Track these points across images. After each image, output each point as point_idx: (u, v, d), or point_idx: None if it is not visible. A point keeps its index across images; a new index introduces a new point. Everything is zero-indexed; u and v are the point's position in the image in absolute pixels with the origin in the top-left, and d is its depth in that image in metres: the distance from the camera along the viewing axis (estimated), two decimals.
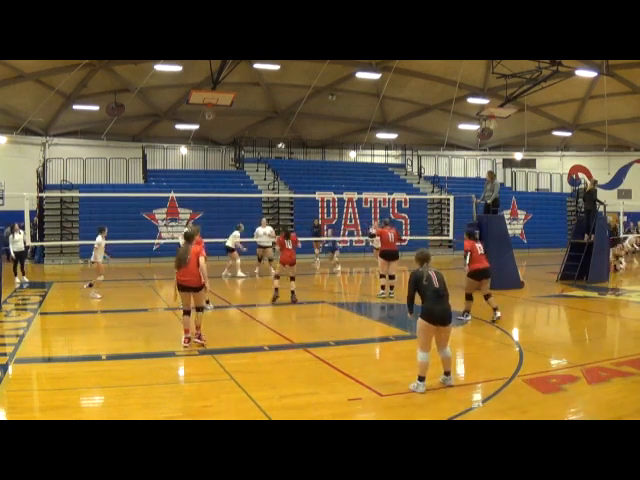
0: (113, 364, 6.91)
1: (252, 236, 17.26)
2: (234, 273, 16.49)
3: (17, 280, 15.09)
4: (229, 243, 16.67)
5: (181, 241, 16.77)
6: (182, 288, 7.79)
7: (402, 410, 5.32)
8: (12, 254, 15.54)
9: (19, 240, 15.44)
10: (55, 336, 8.96)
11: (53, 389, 5.85)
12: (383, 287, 12.33)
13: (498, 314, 9.65)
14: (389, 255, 12.17)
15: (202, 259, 7.72)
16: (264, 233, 16.94)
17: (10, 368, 6.65)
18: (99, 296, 12.30)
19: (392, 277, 12.18)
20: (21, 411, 5.19)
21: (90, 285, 12.62)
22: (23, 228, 15.61)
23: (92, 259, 12.83)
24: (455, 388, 6.00)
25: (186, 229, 17.29)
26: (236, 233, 16.77)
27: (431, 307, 5.80)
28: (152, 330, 9.24)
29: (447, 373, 5.99)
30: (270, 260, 16.92)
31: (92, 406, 5.60)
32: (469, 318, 9.70)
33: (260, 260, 17.12)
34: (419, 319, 5.87)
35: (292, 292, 11.64)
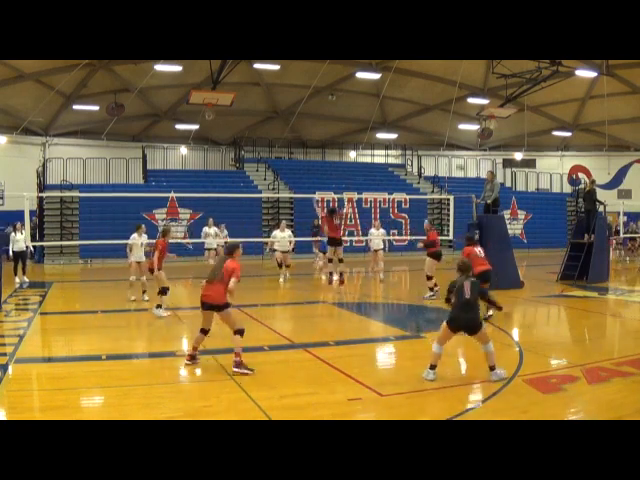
0: (113, 364, 6.91)
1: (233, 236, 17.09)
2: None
3: (17, 280, 15.09)
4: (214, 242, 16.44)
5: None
6: (203, 305, 6.77)
7: (402, 410, 5.32)
8: (10, 253, 15.54)
9: (20, 240, 15.42)
10: (55, 336, 8.95)
11: (53, 389, 5.85)
12: (434, 287, 12.32)
13: (490, 312, 9.62)
14: (441, 256, 12.56)
15: (233, 281, 6.59)
16: (282, 237, 16.04)
17: (10, 368, 6.64)
18: (133, 298, 11.74)
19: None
20: (21, 411, 5.18)
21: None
22: (18, 228, 15.62)
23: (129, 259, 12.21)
24: (455, 388, 6.00)
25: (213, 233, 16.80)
26: (207, 230, 16.37)
27: (457, 315, 6.11)
28: (152, 330, 9.24)
29: (491, 368, 6.11)
30: (288, 266, 15.88)
31: (92, 406, 5.60)
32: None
33: (281, 266, 16.00)
34: (444, 321, 6.20)
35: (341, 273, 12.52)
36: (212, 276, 6.71)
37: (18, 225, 15.75)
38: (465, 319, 6.06)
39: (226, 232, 17.32)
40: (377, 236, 15.88)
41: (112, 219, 21.43)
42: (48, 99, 22.87)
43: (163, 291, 10.20)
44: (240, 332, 6.61)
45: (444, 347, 6.18)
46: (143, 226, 12.23)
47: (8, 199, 23.81)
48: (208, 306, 6.68)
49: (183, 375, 6.81)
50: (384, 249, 16.08)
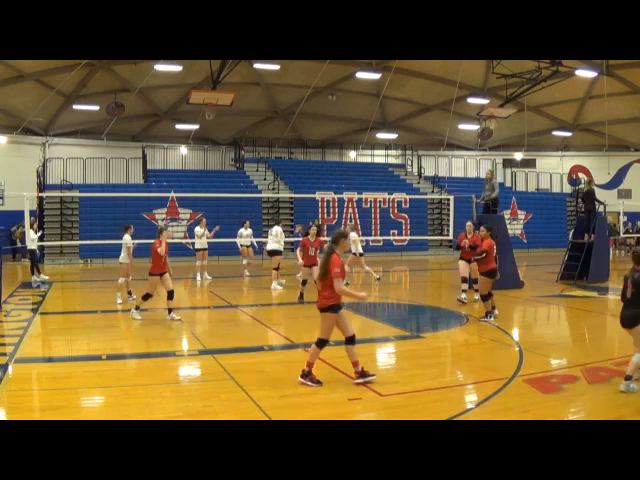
0: (113, 364, 6.91)
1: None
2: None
3: (36, 279, 15.24)
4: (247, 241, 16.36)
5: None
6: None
7: (402, 410, 5.31)
8: (35, 247, 15.66)
9: (35, 239, 15.53)
10: (55, 336, 8.95)
11: (53, 389, 5.85)
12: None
13: (494, 313, 9.67)
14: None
15: (337, 283, 5.90)
16: (281, 233, 14.97)
17: (10, 368, 6.64)
18: (120, 301, 11.48)
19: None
20: (21, 411, 5.18)
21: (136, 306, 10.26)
22: (39, 227, 15.67)
23: (120, 260, 11.87)
24: (455, 388, 6.00)
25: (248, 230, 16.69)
26: (200, 229, 16.26)
27: (621, 312, 5.99)
28: (152, 330, 9.24)
29: (626, 378, 5.70)
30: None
31: (92, 406, 5.59)
32: (492, 318, 9.49)
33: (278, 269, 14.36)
34: None
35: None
36: (321, 275, 6.08)
37: (35, 225, 15.87)
38: (622, 315, 5.89)
39: (250, 230, 17.02)
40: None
41: (112, 219, 21.42)
42: (48, 99, 22.84)
43: (145, 296, 9.76)
44: (351, 340, 6.07)
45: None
46: (132, 226, 12.10)
47: (8, 199, 23.81)
48: (319, 309, 6.11)
49: (183, 375, 6.82)
50: (355, 253, 14.36)
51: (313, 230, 12.24)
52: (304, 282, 11.88)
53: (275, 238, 14.67)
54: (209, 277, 16.19)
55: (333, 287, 5.91)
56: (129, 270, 11.86)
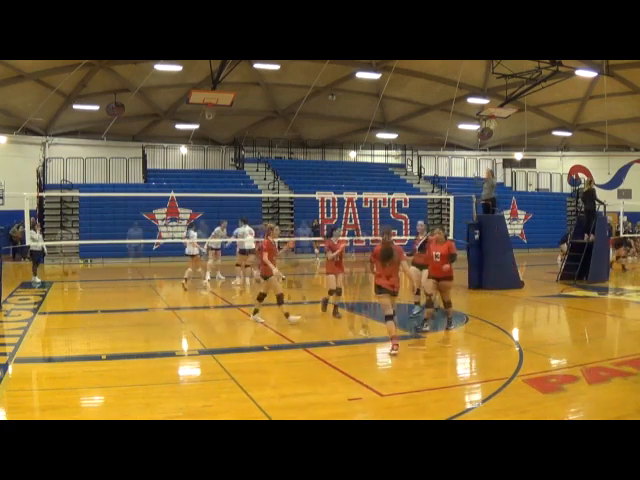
0: (113, 364, 6.91)
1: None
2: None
3: (37, 279, 15.21)
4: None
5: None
6: (390, 292, 7.39)
7: (402, 410, 5.32)
8: (43, 248, 15.87)
9: (38, 239, 15.50)
10: (55, 336, 8.96)
11: (53, 389, 5.85)
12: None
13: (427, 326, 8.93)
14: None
15: (405, 263, 7.60)
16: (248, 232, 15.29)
17: (10, 368, 6.65)
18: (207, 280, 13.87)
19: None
20: (21, 411, 5.19)
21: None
22: (36, 227, 15.75)
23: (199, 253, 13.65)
24: (455, 388, 6.00)
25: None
26: (220, 231, 15.82)
27: None
28: (152, 330, 9.24)
29: None
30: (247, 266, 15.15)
31: (92, 406, 5.60)
32: (427, 328, 8.78)
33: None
34: None
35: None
36: (389, 261, 7.35)
37: (37, 224, 15.92)
38: None
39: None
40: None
41: (112, 219, 21.46)
42: (48, 99, 22.84)
43: (279, 299, 9.44)
44: (391, 317, 7.26)
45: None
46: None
47: (8, 199, 23.81)
48: (394, 292, 7.40)
49: (183, 375, 6.82)
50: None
51: (338, 231, 10.56)
52: (331, 292, 10.40)
53: (250, 237, 15.13)
54: (222, 277, 15.93)
55: (398, 272, 7.37)
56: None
